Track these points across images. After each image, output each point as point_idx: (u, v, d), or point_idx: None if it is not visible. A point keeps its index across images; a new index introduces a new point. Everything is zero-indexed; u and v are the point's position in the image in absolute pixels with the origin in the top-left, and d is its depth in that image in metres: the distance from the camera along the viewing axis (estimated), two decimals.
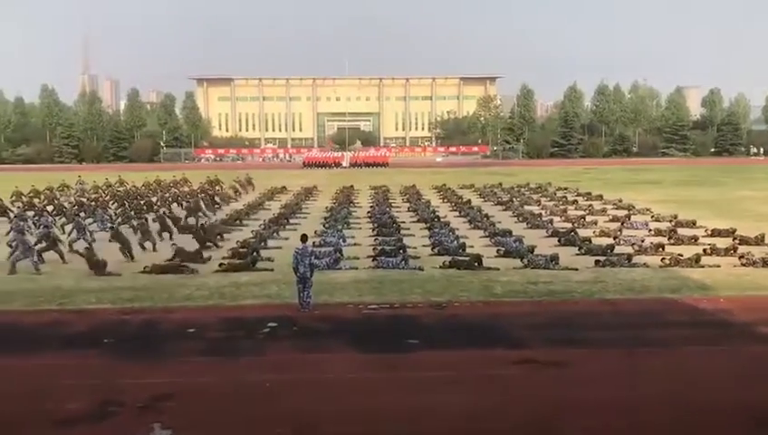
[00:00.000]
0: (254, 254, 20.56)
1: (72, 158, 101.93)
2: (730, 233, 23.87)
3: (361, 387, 10.50)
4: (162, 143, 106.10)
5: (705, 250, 20.79)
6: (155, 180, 45.30)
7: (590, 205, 34.59)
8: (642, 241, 22.88)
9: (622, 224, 27.46)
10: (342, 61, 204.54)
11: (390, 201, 37.26)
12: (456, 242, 22.81)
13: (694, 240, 23.13)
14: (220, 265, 19.52)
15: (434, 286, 16.94)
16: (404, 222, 28.41)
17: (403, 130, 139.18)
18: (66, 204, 34.52)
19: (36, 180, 45.39)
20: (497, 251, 21.49)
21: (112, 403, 9.68)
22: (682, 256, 19.85)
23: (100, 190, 42.63)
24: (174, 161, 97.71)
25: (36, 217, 28.51)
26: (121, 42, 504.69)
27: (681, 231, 24.72)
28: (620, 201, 35.15)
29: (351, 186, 45.52)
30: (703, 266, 19.01)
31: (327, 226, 27.36)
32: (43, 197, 38.07)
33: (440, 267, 19.19)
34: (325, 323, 13.98)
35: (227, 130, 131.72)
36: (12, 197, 36.54)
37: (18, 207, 32.77)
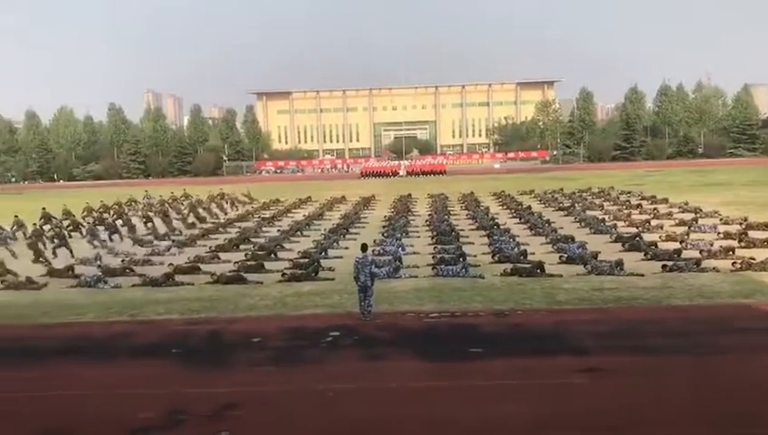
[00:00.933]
0: (316, 263, 20.80)
1: (139, 173, 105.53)
2: None
3: (424, 396, 10.46)
4: (224, 157, 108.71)
5: None
6: (218, 193, 46.36)
7: (655, 208, 33.69)
8: (711, 245, 22.15)
9: (689, 227, 26.64)
10: (398, 70, 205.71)
11: (449, 209, 37.13)
12: (516, 249, 22.55)
13: (766, 243, 22.24)
14: (283, 274, 19.85)
15: (495, 294, 16.78)
16: (463, 230, 28.27)
17: (460, 137, 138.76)
18: (134, 218, 35.73)
19: (105, 196, 47.10)
20: (560, 258, 21.15)
21: (181, 412, 9.92)
22: (754, 259, 19.11)
23: (167, 204, 43.90)
24: (236, 174, 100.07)
25: (107, 232, 29.65)
26: (182, 59, 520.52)
27: (752, 234, 23.83)
28: (687, 204, 34.13)
29: (409, 194, 45.59)
30: None
31: (386, 235, 27.44)
32: (112, 211, 39.50)
33: (501, 275, 19.01)
34: (387, 331, 14.00)
35: (286, 143, 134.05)
36: (83, 212, 37.97)
37: (89, 223, 34.04)
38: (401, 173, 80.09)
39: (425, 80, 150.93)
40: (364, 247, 15.80)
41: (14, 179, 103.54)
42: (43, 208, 34.84)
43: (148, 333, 14.57)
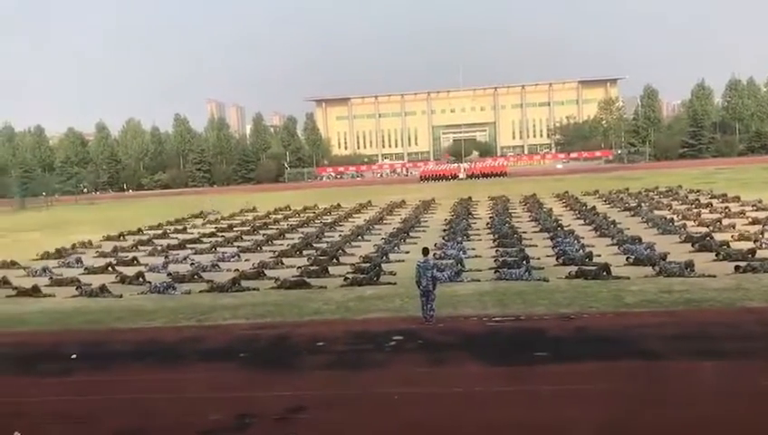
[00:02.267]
0: (377, 268, 20.89)
1: (205, 181, 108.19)
2: None
3: (490, 400, 10.37)
4: (286, 164, 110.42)
5: None
6: (285, 206, 47.33)
7: (727, 207, 32.55)
8: None
9: (764, 226, 25.62)
10: (456, 72, 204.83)
11: (510, 211, 36.75)
12: (581, 251, 22.14)
13: None
14: (345, 279, 20.02)
15: (560, 297, 16.52)
16: (525, 232, 27.95)
17: (520, 138, 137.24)
18: None
19: (174, 204, 48.53)
20: (627, 259, 20.67)
21: (249, 415, 10.11)
22: None
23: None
24: (297, 180, 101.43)
25: None
26: (243, 68, 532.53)
27: None
28: (760, 202, 32.85)
29: (469, 197, 45.37)
30: None
31: (447, 238, 27.35)
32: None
33: (566, 278, 18.71)
34: (450, 335, 13.94)
35: (346, 148, 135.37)
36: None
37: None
38: (461, 176, 79.65)
39: (483, 81, 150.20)
40: (425, 251, 15.78)
41: (85, 190, 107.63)
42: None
43: (215, 338, 14.92)
